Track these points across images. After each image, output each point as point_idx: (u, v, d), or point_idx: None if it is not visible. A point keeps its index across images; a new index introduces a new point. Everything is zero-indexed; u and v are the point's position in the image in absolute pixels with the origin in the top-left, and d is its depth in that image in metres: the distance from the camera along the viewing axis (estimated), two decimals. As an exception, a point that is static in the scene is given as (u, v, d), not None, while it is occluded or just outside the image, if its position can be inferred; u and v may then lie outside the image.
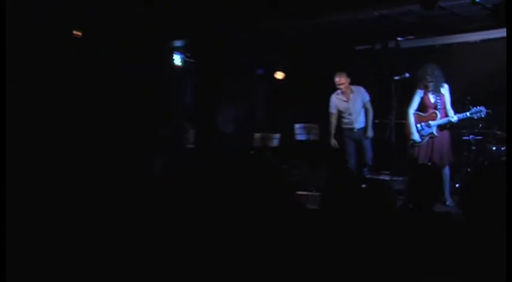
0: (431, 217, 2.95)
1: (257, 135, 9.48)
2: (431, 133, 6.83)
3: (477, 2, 7.07)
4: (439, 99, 6.81)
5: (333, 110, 8.11)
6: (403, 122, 7.28)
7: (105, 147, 7.70)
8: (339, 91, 8.00)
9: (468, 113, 6.69)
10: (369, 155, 7.90)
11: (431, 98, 6.86)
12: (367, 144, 7.94)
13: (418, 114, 6.99)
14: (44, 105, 6.97)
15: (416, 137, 6.91)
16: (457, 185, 7.15)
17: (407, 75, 7.48)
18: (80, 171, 6.37)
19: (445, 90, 6.85)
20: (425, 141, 6.88)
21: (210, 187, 4.48)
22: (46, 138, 6.76)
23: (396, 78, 7.48)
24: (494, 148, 7.43)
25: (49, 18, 6.90)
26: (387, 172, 7.78)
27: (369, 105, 8.00)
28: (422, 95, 6.91)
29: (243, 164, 7.44)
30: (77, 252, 3.20)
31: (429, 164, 6.61)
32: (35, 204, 4.41)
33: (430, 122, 6.84)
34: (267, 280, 2.60)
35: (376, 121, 8.30)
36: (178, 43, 9.87)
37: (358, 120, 7.96)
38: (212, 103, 10.19)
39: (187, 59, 10.15)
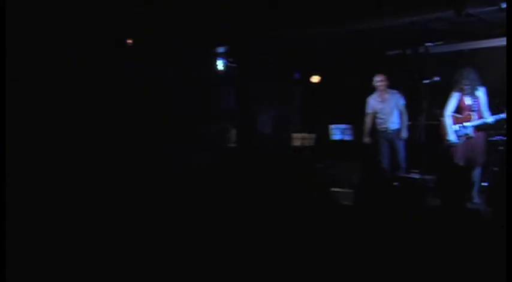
0: (460, 214, 2.94)
1: (294, 135, 9.50)
2: (467, 134, 6.80)
3: (504, 9, 6.94)
4: (475, 102, 6.80)
5: (369, 110, 8.17)
6: (438, 123, 7.24)
7: (151, 146, 7.78)
8: (375, 93, 7.99)
9: (503, 115, 6.59)
10: (401, 155, 7.88)
11: (467, 101, 6.85)
12: (400, 145, 7.93)
13: (455, 116, 6.98)
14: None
15: (452, 137, 6.87)
16: (484, 184, 7.05)
17: (436, 79, 7.44)
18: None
19: (481, 93, 6.83)
20: (461, 141, 6.84)
21: (250, 184, 4.53)
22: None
23: (426, 82, 7.45)
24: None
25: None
26: (417, 171, 7.72)
27: (403, 109, 8.02)
28: (458, 97, 6.91)
29: (281, 163, 7.49)
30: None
31: (463, 163, 6.57)
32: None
33: (465, 123, 6.82)
34: (306, 269, 2.64)
35: (408, 123, 8.26)
36: (221, 49, 9.97)
37: (392, 121, 7.96)
38: (252, 105, 10.27)
39: (229, 64, 10.24)
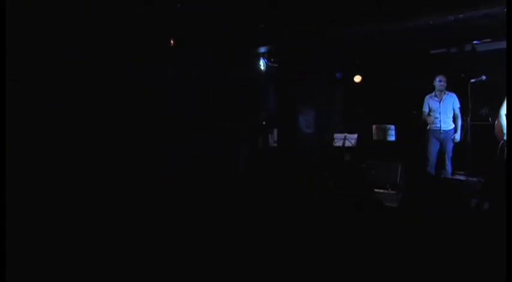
0: (501, 217, 2.87)
1: (337, 135, 9.45)
2: None
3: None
4: None
5: (426, 109, 8.18)
6: (486, 123, 7.04)
7: (189, 143, 7.82)
8: (434, 92, 8.06)
9: None
10: (449, 156, 7.78)
11: None
12: (450, 147, 7.85)
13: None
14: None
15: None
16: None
17: (483, 77, 7.27)
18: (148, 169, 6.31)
19: None
20: None
21: (291, 184, 4.54)
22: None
23: (472, 80, 7.29)
24: None
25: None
26: (462, 172, 7.57)
27: (458, 111, 7.98)
28: None
29: (323, 163, 7.46)
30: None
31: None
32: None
33: None
34: (351, 270, 2.63)
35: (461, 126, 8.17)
36: (262, 49, 10.00)
37: (446, 121, 7.89)
38: (293, 105, 10.26)
39: (270, 64, 10.26)
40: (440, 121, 7.92)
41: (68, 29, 6.76)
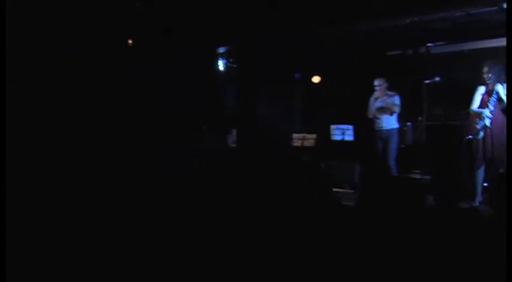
0: (460, 214, 2.95)
1: (295, 135, 9.51)
2: (484, 125, 6.52)
3: (504, 9, 6.95)
4: (495, 96, 6.54)
5: (371, 110, 8.17)
6: (440, 123, 7.15)
7: (150, 145, 7.78)
8: (376, 93, 8.07)
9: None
10: (393, 156, 7.88)
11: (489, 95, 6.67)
12: (393, 146, 7.91)
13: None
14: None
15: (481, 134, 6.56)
16: (485, 184, 7.04)
17: (437, 79, 7.44)
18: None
19: (500, 87, 6.53)
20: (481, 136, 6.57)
21: (250, 185, 4.54)
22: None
23: (427, 82, 7.45)
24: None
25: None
26: (418, 171, 7.73)
27: (397, 109, 7.97)
28: (483, 92, 6.67)
29: (282, 163, 7.49)
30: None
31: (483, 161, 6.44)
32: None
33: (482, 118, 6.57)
34: (306, 269, 2.64)
35: (408, 123, 8.28)
36: (221, 49, 9.98)
37: (387, 121, 7.98)
38: (252, 105, 10.27)
39: (230, 64, 10.25)
40: (382, 121, 7.99)
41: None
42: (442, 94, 7.67)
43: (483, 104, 6.65)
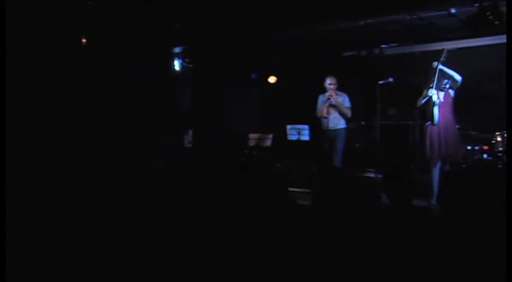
0: (412, 212, 3.02)
1: (252, 135, 9.52)
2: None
3: (453, 14, 7.18)
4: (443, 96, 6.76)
5: (319, 105, 8.18)
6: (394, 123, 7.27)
7: (106, 148, 7.69)
8: (326, 93, 8.08)
9: None
10: (339, 155, 7.94)
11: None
12: (340, 145, 7.96)
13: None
14: (41, 105, 6.82)
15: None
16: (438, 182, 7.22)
17: (390, 80, 7.59)
18: (76, 172, 6.24)
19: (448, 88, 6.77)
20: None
21: (208, 184, 4.52)
22: (42, 138, 6.54)
23: (380, 82, 7.59)
24: (469, 148, 7.55)
25: (47, 18, 6.65)
26: (372, 170, 7.87)
27: (348, 111, 8.02)
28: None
29: (238, 163, 7.48)
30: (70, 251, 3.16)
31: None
32: (29, 203, 4.30)
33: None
34: (261, 272, 2.65)
35: (362, 123, 8.41)
36: (177, 49, 9.91)
37: (334, 121, 8.01)
38: (208, 106, 10.23)
39: (185, 64, 10.19)
40: (328, 121, 8.01)
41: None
42: (395, 94, 7.84)
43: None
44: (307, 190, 7.83)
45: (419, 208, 3.00)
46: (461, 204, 2.61)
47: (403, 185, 3.29)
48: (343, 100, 8.03)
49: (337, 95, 8.04)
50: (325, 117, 8.01)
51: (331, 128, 7.98)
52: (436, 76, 6.56)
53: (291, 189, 7.06)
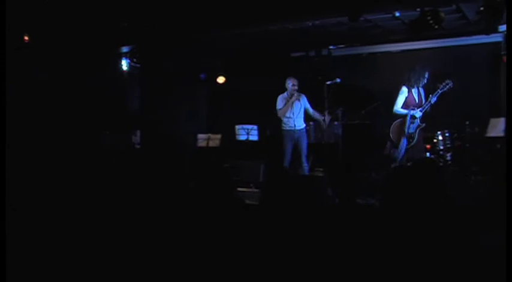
0: (356, 209, 3.07)
1: (200, 136, 9.47)
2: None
3: (397, 17, 7.37)
4: (419, 97, 7.00)
5: (279, 107, 8.18)
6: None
7: (52, 149, 7.50)
8: (285, 93, 8.12)
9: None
10: (304, 154, 8.02)
11: (415, 96, 7.03)
12: (304, 145, 8.04)
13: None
14: None
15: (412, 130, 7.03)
16: (381, 180, 7.38)
17: (338, 80, 7.71)
18: (15, 172, 6.07)
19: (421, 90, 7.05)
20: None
21: (155, 185, 4.47)
22: None
23: (328, 83, 7.69)
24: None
25: None
26: (321, 169, 7.97)
27: (311, 108, 8.11)
28: (406, 93, 7.03)
29: (187, 164, 7.43)
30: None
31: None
32: None
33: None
34: (210, 269, 2.64)
35: (311, 123, 8.50)
36: (124, 49, 9.74)
37: (298, 121, 8.09)
38: (156, 106, 10.11)
39: (133, 64, 10.02)
40: (293, 121, 8.07)
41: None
42: (342, 95, 7.97)
43: (408, 105, 6.99)
44: (256, 190, 7.88)
45: (363, 206, 3.05)
46: (404, 201, 2.67)
47: (348, 183, 3.35)
48: (305, 100, 8.12)
49: (297, 95, 8.13)
50: (290, 118, 8.08)
51: (297, 128, 8.06)
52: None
53: (240, 189, 7.08)
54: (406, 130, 6.95)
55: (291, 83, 8.02)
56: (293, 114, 8.03)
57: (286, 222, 2.78)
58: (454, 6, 6.89)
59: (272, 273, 2.53)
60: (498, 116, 7.18)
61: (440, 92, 6.79)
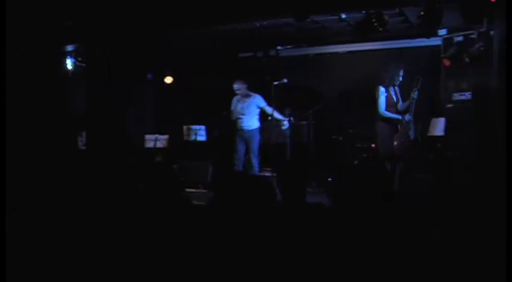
0: (305, 208, 3.08)
1: (147, 136, 9.34)
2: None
3: (343, 19, 7.48)
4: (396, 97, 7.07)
5: (232, 107, 8.29)
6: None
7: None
8: (238, 95, 8.17)
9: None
10: (255, 155, 8.07)
11: (393, 96, 7.08)
12: (255, 146, 8.09)
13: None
14: None
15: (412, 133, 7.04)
16: (329, 179, 7.47)
17: (285, 80, 7.78)
18: None
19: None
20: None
21: (101, 187, 4.37)
22: None
23: (275, 83, 7.74)
24: (358, 145, 7.95)
25: None
26: (269, 169, 8.01)
27: (268, 107, 8.13)
28: (385, 93, 7.04)
29: (134, 165, 7.30)
30: None
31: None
32: None
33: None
34: (159, 272, 2.60)
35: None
36: (69, 47, 9.48)
37: (249, 122, 8.10)
38: (103, 106, 9.88)
39: (78, 63, 9.76)
40: (243, 121, 8.15)
41: None
42: (289, 95, 8.04)
43: (389, 105, 7.03)
44: (204, 190, 7.84)
45: (312, 205, 3.07)
46: (351, 198, 2.71)
47: (296, 183, 3.35)
48: (258, 100, 8.18)
49: (249, 96, 8.13)
50: (240, 118, 8.08)
51: (247, 128, 8.11)
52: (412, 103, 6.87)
53: (188, 189, 7.02)
54: (406, 138, 6.98)
55: (234, 87, 8.15)
56: (243, 114, 8.08)
57: (234, 223, 2.76)
58: (397, 10, 7.06)
59: (219, 273, 2.51)
60: (438, 116, 7.42)
61: (416, 89, 6.81)
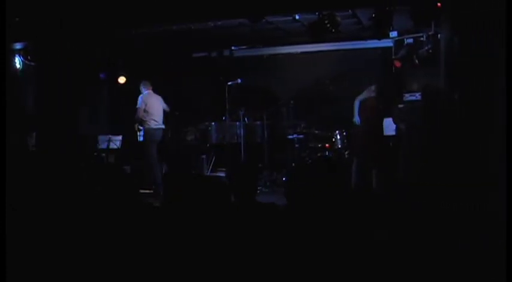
0: (257, 208, 3.08)
1: (101, 137, 9.16)
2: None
3: (297, 20, 7.53)
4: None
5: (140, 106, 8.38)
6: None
7: None
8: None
9: None
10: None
11: None
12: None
13: None
14: None
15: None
16: (284, 179, 7.53)
17: (239, 80, 7.78)
18: None
19: None
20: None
21: (52, 188, 4.25)
22: None
23: (229, 83, 7.74)
24: (312, 145, 8.02)
25: None
26: (223, 169, 8.00)
27: (167, 108, 8.33)
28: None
29: (86, 166, 7.14)
30: None
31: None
32: None
33: None
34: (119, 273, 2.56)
35: (213, 123, 8.51)
36: (17, 45, 9.19)
37: (157, 121, 8.22)
38: (54, 106, 9.62)
39: (27, 62, 9.47)
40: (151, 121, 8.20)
41: None
42: (243, 95, 8.03)
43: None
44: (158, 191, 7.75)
45: (265, 204, 3.07)
46: (304, 197, 2.72)
47: (249, 183, 3.35)
48: (161, 101, 8.30)
49: (155, 97, 8.27)
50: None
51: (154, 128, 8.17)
52: None
53: (141, 190, 6.93)
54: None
55: (142, 89, 8.35)
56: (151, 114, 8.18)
57: (187, 223, 2.74)
58: (349, 11, 7.16)
59: (177, 274, 2.49)
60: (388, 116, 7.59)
61: None
